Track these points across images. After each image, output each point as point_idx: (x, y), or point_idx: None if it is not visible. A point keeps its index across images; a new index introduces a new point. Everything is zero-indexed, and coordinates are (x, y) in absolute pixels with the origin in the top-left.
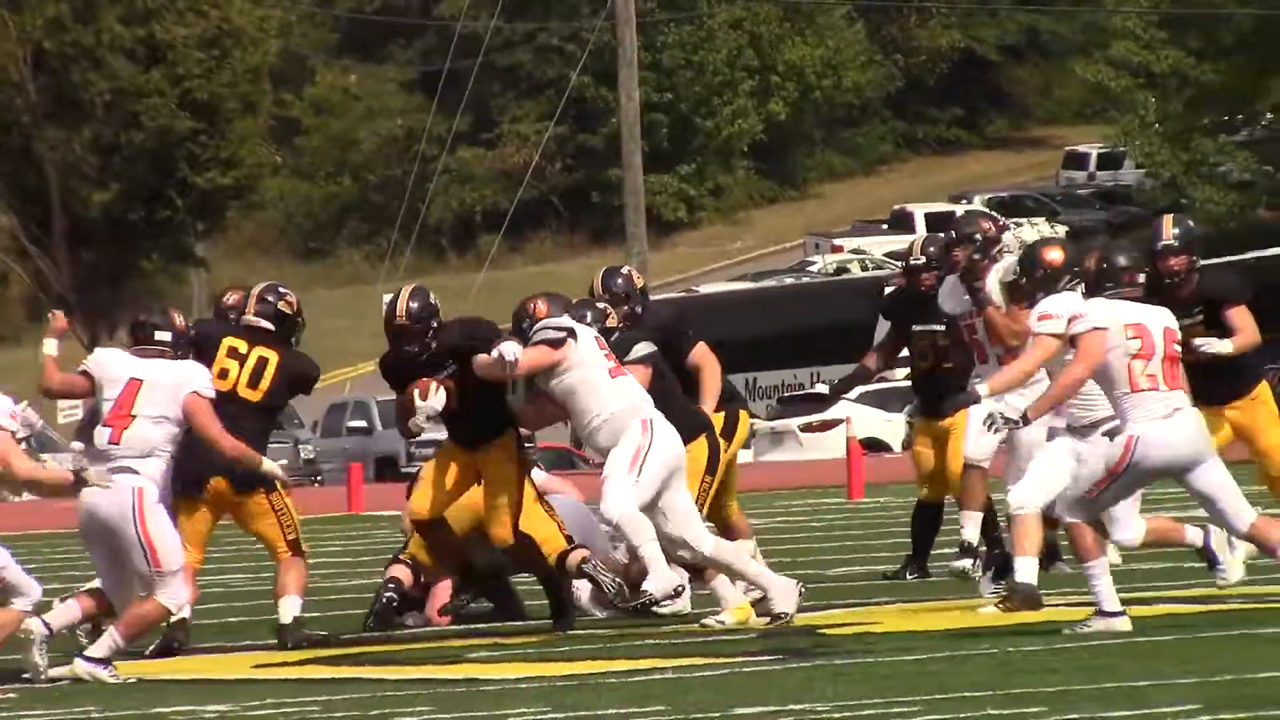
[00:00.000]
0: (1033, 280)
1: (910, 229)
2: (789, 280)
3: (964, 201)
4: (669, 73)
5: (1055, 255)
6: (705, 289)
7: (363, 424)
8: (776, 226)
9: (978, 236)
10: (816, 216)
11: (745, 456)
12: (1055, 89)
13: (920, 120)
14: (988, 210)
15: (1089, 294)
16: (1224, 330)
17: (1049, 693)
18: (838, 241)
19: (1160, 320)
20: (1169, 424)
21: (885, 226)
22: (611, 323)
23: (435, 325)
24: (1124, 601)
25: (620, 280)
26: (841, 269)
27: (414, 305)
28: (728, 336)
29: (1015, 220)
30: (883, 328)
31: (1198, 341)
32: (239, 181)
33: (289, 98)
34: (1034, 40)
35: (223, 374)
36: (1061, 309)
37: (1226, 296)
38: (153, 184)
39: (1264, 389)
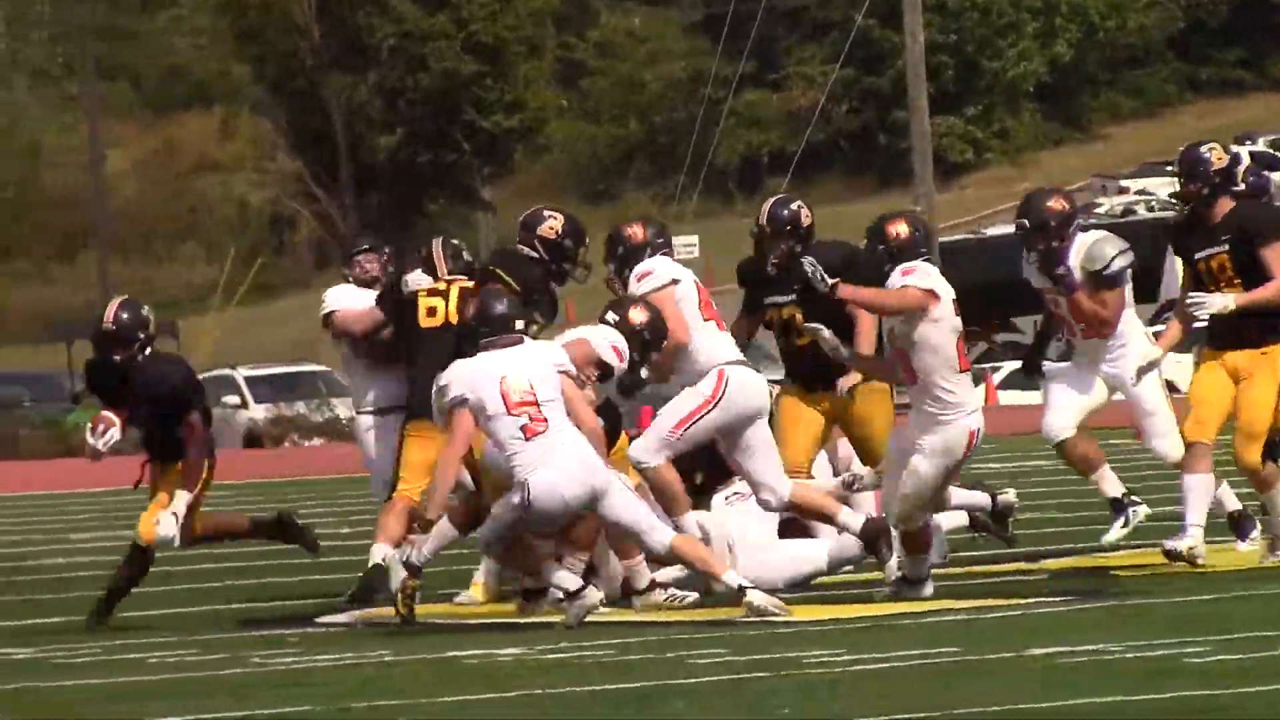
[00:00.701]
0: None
1: None
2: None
3: (1248, 143)
4: (955, 14)
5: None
6: (992, 231)
7: None
8: (1062, 168)
9: (1051, 222)
10: (1102, 158)
11: (1033, 398)
12: None
13: (1204, 62)
14: (1059, 188)
15: (897, 262)
16: (1252, 271)
17: None
18: (1124, 183)
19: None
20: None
21: (1171, 168)
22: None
23: (143, 336)
24: None
25: (786, 213)
26: (1128, 210)
27: (125, 315)
28: (1015, 279)
29: None
30: (1172, 269)
31: (1195, 299)
32: (524, 124)
33: (573, 40)
34: None
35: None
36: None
37: (1258, 230)
38: (438, 127)
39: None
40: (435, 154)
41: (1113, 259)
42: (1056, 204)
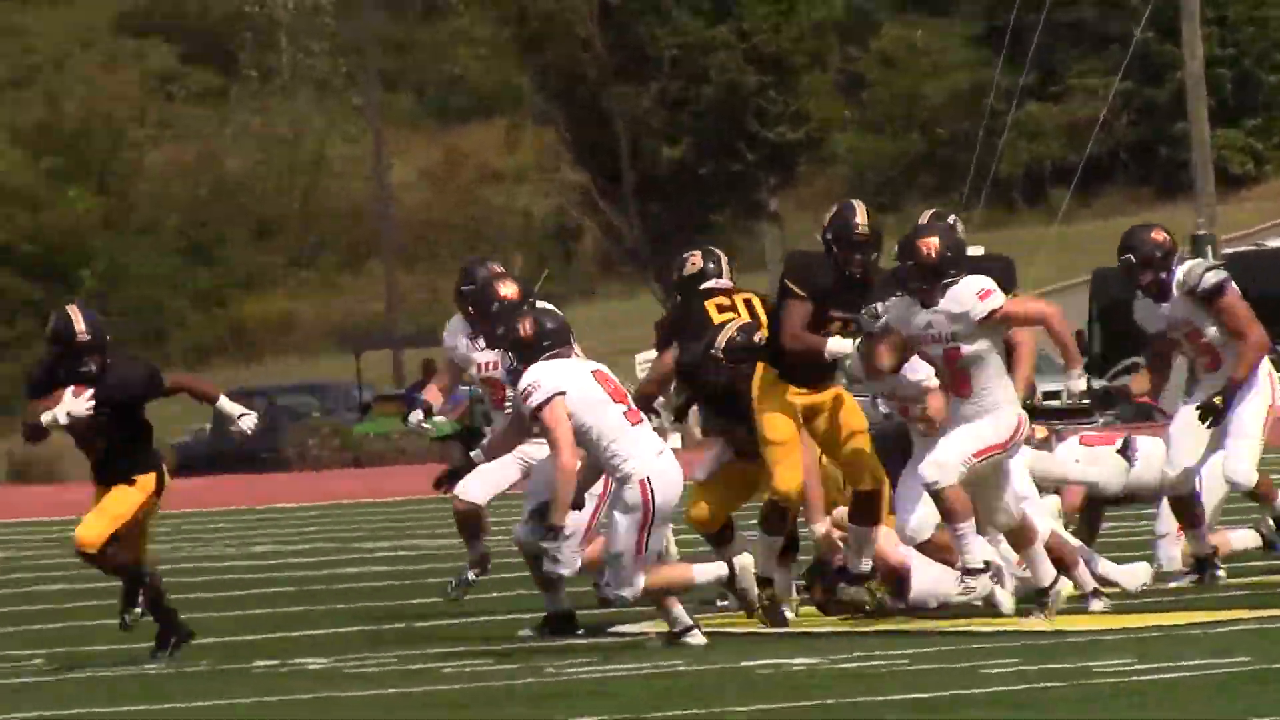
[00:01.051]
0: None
1: None
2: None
3: None
4: (1233, 27)
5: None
6: (1272, 243)
7: None
8: None
9: (1156, 254)
10: None
11: None
12: None
13: None
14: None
15: (930, 281)
16: None
17: None
18: None
19: None
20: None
21: None
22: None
23: (109, 339)
24: None
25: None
26: None
27: (86, 324)
28: None
29: None
30: None
31: None
32: (809, 135)
33: (855, 52)
34: None
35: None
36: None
37: None
38: (722, 138)
39: None
40: (719, 164)
41: (1203, 275)
42: (1158, 235)
